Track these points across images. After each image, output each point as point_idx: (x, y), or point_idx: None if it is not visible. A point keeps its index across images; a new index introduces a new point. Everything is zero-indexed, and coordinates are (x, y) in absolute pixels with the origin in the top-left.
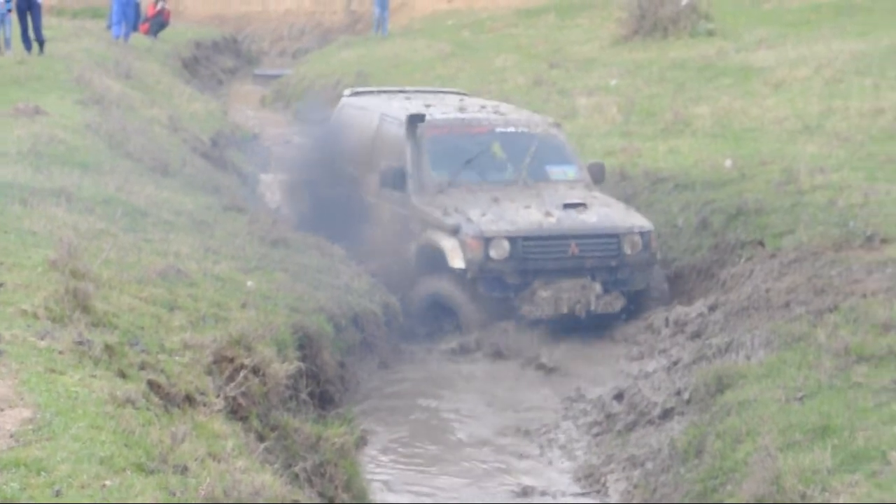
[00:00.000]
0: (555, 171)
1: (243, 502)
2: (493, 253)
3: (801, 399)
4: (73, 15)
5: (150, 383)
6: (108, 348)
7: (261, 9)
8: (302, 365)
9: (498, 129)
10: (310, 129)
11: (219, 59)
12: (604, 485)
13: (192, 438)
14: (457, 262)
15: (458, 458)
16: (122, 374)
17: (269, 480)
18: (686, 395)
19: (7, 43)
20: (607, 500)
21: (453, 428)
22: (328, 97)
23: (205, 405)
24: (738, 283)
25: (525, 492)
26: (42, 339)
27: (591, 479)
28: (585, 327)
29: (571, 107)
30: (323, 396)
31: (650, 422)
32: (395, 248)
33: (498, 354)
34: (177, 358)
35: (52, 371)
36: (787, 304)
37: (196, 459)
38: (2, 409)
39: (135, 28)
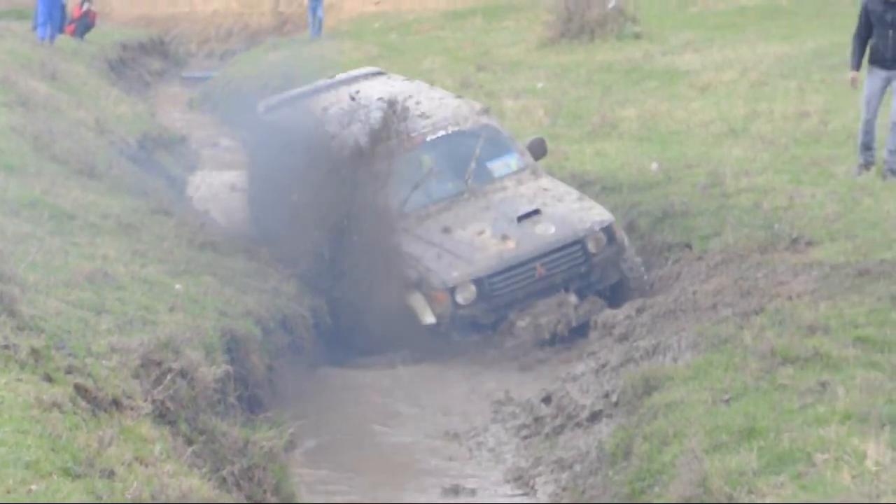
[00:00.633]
0: (497, 167)
1: None
2: (460, 299)
3: (727, 401)
4: None
5: (77, 387)
6: (34, 352)
7: (188, 10)
8: (230, 368)
9: (429, 138)
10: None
11: (146, 61)
12: (532, 487)
13: (119, 442)
14: (427, 318)
15: (386, 461)
16: (49, 378)
17: (196, 484)
18: (614, 398)
19: None
20: (536, 502)
21: (382, 431)
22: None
23: (132, 409)
24: (665, 286)
25: (455, 489)
26: None
27: (519, 481)
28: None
29: (498, 109)
30: (251, 400)
31: (578, 424)
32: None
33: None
34: (104, 362)
35: None
36: (714, 307)
37: (123, 463)
38: None
39: (61, 29)
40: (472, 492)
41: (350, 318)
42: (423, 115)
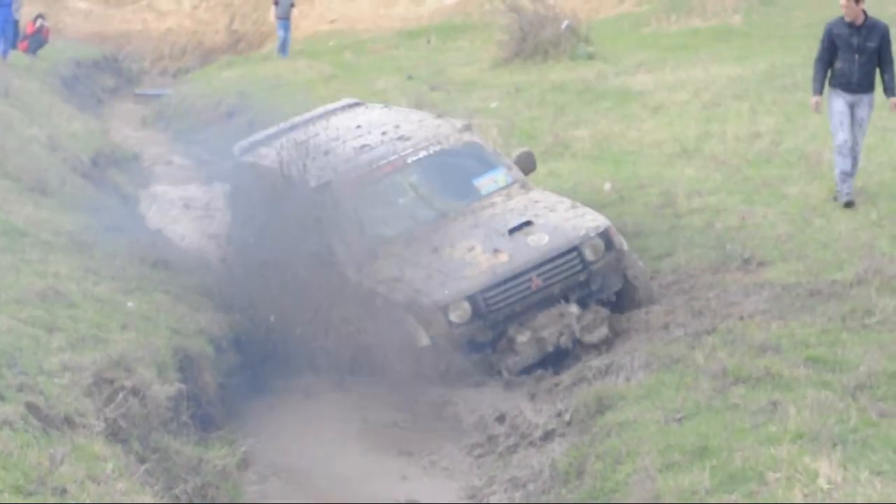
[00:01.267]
0: (484, 183)
1: None
2: (454, 318)
3: (679, 420)
4: None
5: (29, 405)
6: None
7: (141, 27)
8: (183, 387)
9: (410, 160)
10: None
11: (99, 78)
12: None
13: (71, 460)
14: (422, 340)
15: (338, 479)
16: (0, 397)
17: (149, 503)
18: (567, 417)
19: None
20: None
21: (335, 449)
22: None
23: (84, 427)
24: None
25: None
26: None
27: (473, 500)
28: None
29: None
30: (204, 418)
31: (532, 443)
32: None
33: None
34: (56, 380)
35: None
36: (666, 326)
37: (75, 482)
38: None
39: (13, 46)
40: None
41: (342, 353)
42: (402, 138)
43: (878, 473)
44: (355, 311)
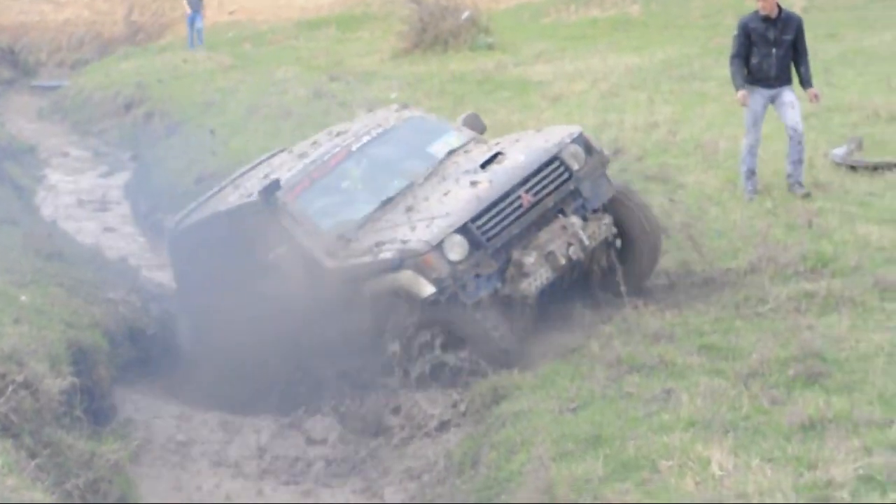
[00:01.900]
0: (439, 148)
1: None
2: (453, 255)
3: (574, 409)
4: None
5: None
6: None
7: (38, 18)
8: (76, 380)
9: (354, 147)
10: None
11: None
12: (382, 497)
13: None
14: (425, 290)
15: (236, 472)
16: None
17: (39, 498)
18: (462, 408)
19: None
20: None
21: (232, 439)
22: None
23: None
24: None
25: (307, 493)
26: None
27: (368, 491)
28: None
29: (351, 119)
30: (98, 412)
31: (427, 434)
32: (346, 330)
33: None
34: None
35: None
36: (563, 316)
37: None
38: None
39: None
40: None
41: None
42: (339, 134)
43: (769, 460)
44: (343, 295)
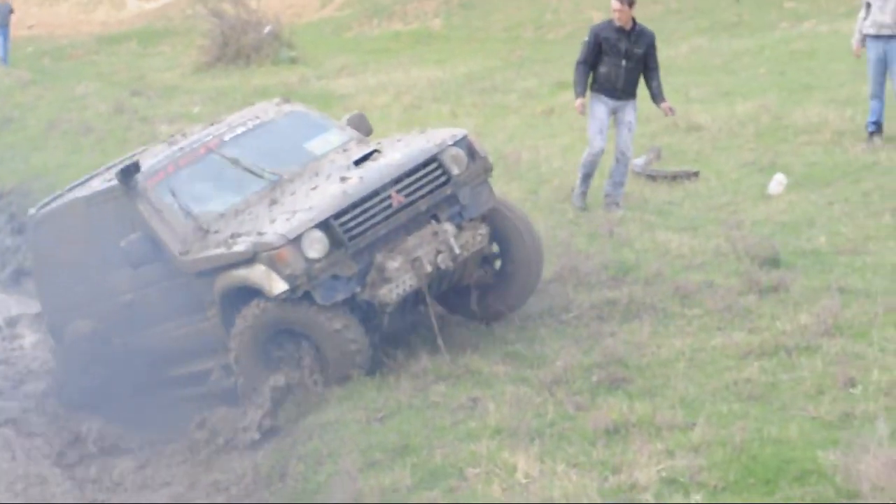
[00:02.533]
0: (317, 145)
1: None
2: (311, 253)
3: (381, 419)
4: None
5: None
6: None
7: None
8: None
9: (227, 137)
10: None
11: None
12: None
13: None
14: (276, 286)
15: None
16: None
17: None
18: (269, 421)
19: None
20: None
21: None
22: None
23: None
24: None
25: None
26: None
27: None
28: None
29: (152, 134)
30: None
31: (234, 447)
32: (189, 329)
33: None
34: None
35: None
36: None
37: None
38: None
39: None
40: None
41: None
42: (213, 124)
43: (575, 465)
44: (195, 291)
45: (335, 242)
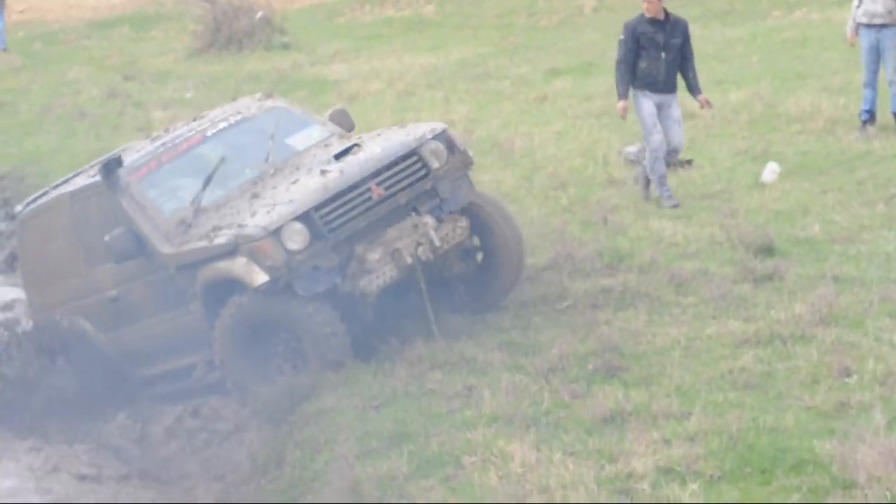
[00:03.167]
0: (298, 140)
1: None
2: (291, 245)
3: (377, 407)
4: None
5: None
6: None
7: None
8: None
9: (210, 133)
10: None
11: None
12: (194, 498)
13: None
14: (257, 278)
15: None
16: None
17: None
18: (265, 407)
19: None
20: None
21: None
22: None
23: None
24: None
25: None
26: None
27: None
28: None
29: (146, 119)
30: None
31: (230, 435)
32: (173, 324)
33: None
34: None
35: None
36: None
37: None
38: None
39: None
40: None
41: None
42: (196, 120)
43: (571, 454)
44: (177, 285)
45: (316, 234)
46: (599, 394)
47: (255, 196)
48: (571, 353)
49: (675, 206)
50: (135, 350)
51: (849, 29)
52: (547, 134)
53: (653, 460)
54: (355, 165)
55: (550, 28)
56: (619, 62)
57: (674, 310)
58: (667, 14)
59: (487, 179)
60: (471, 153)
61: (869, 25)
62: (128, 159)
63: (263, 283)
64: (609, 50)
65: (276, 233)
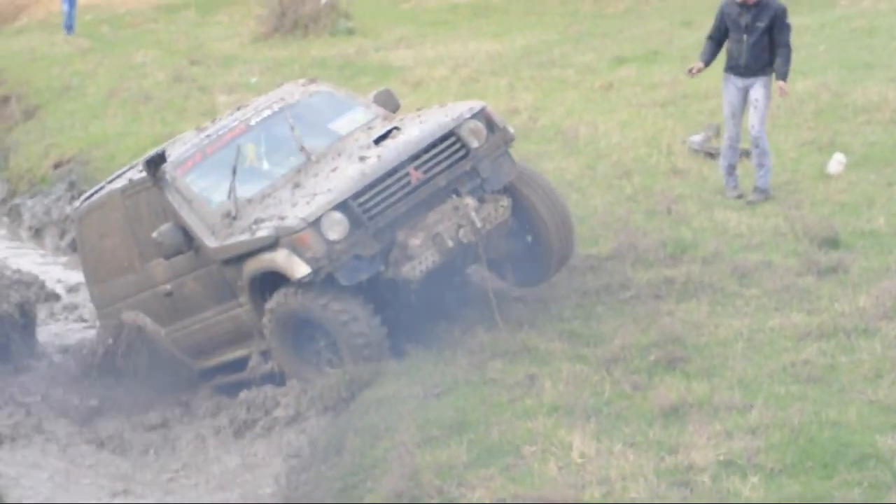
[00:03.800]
0: (342, 125)
1: None
2: (331, 235)
3: (438, 395)
4: None
5: None
6: None
7: None
8: None
9: (254, 122)
10: None
11: None
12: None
13: None
14: (299, 270)
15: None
16: None
17: None
18: (325, 394)
19: None
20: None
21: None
22: None
23: None
24: None
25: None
26: None
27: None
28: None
29: (211, 104)
30: None
31: (288, 423)
32: (226, 317)
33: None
34: None
35: None
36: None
37: None
38: None
39: None
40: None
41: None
42: (240, 108)
43: (631, 445)
44: (226, 279)
45: (355, 223)
46: (661, 385)
47: (296, 185)
48: (633, 344)
49: (739, 197)
50: (191, 343)
51: None
52: (611, 122)
53: (713, 453)
54: (393, 150)
55: (616, 16)
56: (707, 37)
57: (737, 301)
58: None
59: (552, 168)
60: (511, 130)
61: None
62: (174, 152)
63: (305, 275)
64: (675, 39)
65: (315, 224)
